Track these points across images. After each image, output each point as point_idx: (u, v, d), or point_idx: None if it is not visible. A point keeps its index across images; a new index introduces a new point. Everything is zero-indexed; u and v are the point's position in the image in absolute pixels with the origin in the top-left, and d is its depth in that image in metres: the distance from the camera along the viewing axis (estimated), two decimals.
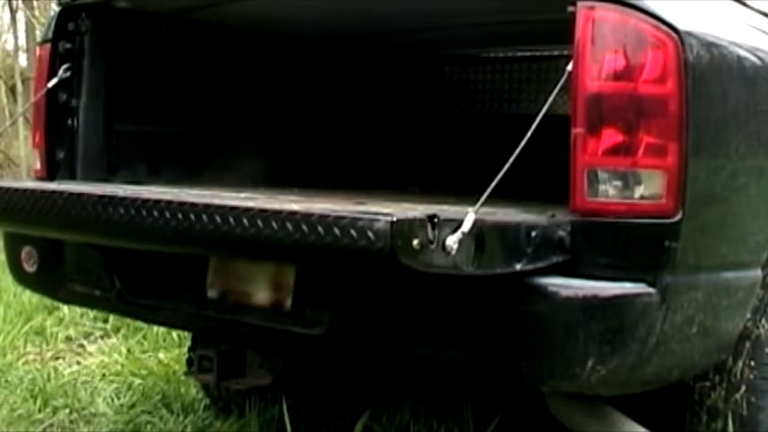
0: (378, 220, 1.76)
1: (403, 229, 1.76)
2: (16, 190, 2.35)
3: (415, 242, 1.77)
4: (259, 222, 1.90)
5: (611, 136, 2.07)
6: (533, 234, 2.04)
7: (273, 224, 1.88)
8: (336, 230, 1.79)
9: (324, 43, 3.60)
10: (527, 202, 2.46)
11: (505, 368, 2.15)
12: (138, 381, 3.90)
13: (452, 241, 1.82)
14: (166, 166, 3.20)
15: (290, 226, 1.86)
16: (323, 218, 1.82)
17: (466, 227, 1.84)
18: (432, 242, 1.80)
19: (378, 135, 3.89)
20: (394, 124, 3.93)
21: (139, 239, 2.17)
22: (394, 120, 3.94)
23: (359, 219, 1.78)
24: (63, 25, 2.99)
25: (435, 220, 1.80)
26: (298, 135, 3.63)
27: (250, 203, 1.97)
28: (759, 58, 2.36)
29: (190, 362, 2.92)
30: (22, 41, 11.48)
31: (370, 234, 1.76)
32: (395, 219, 1.75)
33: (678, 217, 2.09)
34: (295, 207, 1.92)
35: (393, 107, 3.95)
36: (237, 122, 3.42)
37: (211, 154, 3.30)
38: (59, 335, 4.73)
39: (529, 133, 2.03)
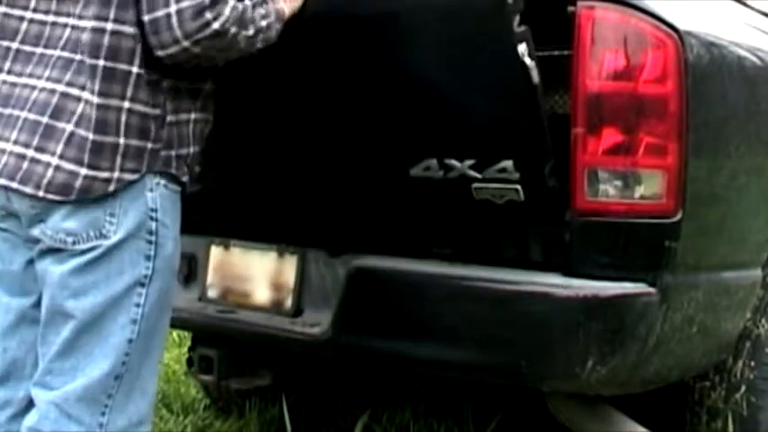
0: None
1: None
2: None
3: None
4: None
5: (611, 136, 2.07)
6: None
7: None
8: None
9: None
10: None
11: (506, 368, 2.15)
12: None
13: None
14: None
15: None
16: None
17: None
18: None
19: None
20: None
21: None
22: None
23: None
24: None
25: None
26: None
27: None
28: (759, 58, 2.36)
29: (190, 362, 2.92)
30: None
31: None
32: None
33: (678, 217, 2.09)
34: None
35: None
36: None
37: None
38: None
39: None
